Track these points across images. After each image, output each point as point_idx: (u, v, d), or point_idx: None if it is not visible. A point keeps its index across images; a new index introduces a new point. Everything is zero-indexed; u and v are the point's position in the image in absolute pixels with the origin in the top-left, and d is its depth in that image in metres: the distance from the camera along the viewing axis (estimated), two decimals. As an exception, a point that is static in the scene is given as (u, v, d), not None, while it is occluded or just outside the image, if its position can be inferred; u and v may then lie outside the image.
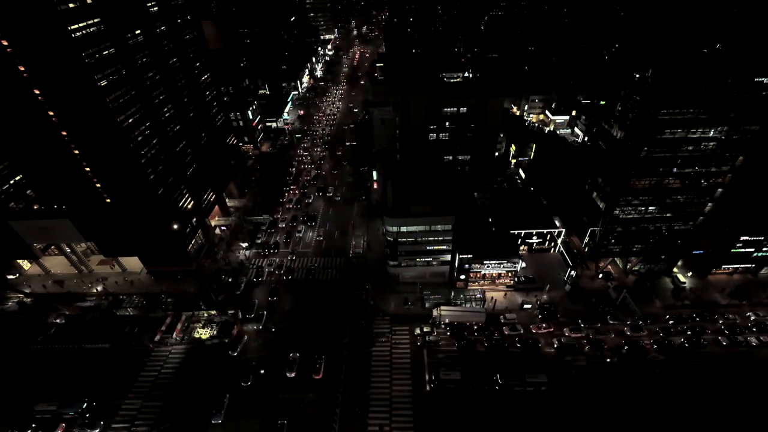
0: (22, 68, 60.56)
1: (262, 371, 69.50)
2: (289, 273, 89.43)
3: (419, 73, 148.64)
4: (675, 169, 72.69)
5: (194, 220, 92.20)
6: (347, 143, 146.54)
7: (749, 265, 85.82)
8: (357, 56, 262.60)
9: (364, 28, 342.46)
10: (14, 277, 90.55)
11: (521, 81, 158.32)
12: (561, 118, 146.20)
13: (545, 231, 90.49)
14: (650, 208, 78.09)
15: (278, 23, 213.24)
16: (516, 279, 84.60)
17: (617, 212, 78.50)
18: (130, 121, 71.38)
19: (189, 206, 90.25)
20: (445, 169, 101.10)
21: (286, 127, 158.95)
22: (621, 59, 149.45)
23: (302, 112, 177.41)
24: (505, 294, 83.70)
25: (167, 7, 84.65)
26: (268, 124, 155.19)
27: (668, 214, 79.26)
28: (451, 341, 74.24)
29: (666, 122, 67.03)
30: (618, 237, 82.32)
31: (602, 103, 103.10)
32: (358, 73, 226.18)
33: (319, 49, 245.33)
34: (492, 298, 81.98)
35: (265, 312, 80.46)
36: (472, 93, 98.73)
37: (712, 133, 68.56)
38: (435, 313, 77.12)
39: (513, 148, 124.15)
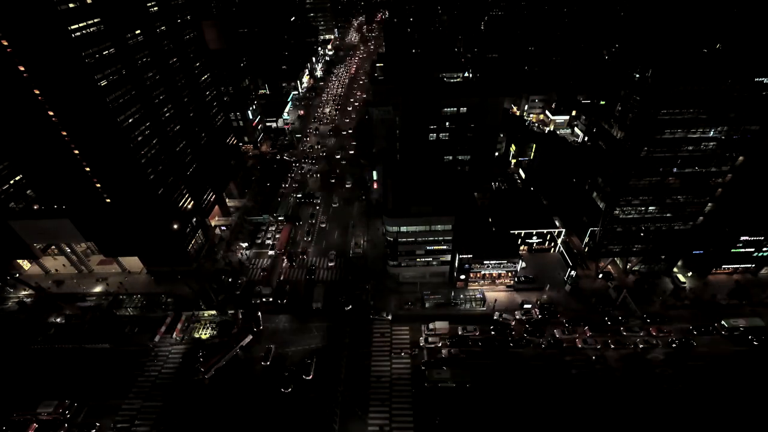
0: (22, 68, 60.57)
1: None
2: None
3: (419, 73, 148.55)
4: (675, 169, 72.71)
5: (194, 220, 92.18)
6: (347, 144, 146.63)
7: (749, 265, 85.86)
8: (356, 56, 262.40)
9: (365, 27, 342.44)
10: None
11: (521, 81, 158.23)
12: (561, 118, 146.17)
13: (545, 231, 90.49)
14: (650, 208, 78.05)
15: (278, 23, 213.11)
16: (516, 279, 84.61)
17: (617, 212, 78.47)
18: (130, 121, 71.38)
19: (189, 206, 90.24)
20: (445, 169, 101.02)
21: (286, 127, 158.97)
22: (621, 59, 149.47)
23: (302, 112, 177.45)
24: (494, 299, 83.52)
25: (167, 7, 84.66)
26: (268, 124, 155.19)
27: (668, 214, 79.25)
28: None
29: (666, 122, 67.01)
30: (618, 237, 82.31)
31: (602, 103, 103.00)
32: (356, 74, 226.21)
33: (319, 49, 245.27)
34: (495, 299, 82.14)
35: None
36: (472, 93, 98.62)
37: (712, 133, 68.54)
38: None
39: (513, 148, 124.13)
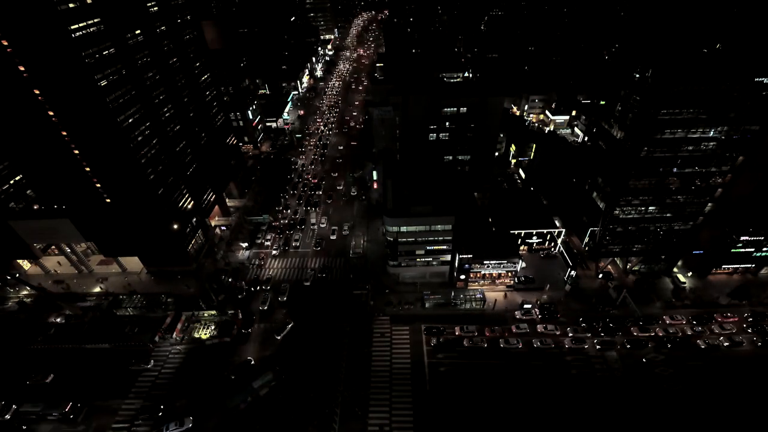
0: (22, 68, 60.56)
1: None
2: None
3: (419, 73, 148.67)
4: (675, 169, 72.71)
5: (194, 220, 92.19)
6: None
7: (749, 265, 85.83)
8: (356, 56, 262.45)
9: (364, 27, 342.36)
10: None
11: (521, 81, 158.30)
12: (561, 118, 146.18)
13: (545, 231, 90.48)
14: (650, 208, 78.08)
15: (278, 23, 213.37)
16: (516, 279, 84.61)
17: (617, 212, 78.49)
18: (130, 121, 71.39)
19: (189, 206, 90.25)
20: (445, 169, 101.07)
21: (286, 127, 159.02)
22: (621, 59, 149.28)
23: (302, 112, 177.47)
24: (505, 295, 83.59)
25: (167, 7, 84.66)
26: (268, 124, 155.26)
27: (668, 214, 79.27)
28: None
29: (666, 122, 67.04)
30: (618, 237, 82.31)
31: (602, 103, 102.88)
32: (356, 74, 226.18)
33: (319, 49, 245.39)
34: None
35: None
36: (472, 93, 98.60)
37: (712, 133, 68.57)
38: None
39: (513, 148, 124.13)
